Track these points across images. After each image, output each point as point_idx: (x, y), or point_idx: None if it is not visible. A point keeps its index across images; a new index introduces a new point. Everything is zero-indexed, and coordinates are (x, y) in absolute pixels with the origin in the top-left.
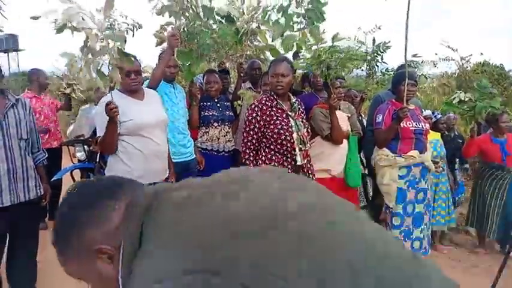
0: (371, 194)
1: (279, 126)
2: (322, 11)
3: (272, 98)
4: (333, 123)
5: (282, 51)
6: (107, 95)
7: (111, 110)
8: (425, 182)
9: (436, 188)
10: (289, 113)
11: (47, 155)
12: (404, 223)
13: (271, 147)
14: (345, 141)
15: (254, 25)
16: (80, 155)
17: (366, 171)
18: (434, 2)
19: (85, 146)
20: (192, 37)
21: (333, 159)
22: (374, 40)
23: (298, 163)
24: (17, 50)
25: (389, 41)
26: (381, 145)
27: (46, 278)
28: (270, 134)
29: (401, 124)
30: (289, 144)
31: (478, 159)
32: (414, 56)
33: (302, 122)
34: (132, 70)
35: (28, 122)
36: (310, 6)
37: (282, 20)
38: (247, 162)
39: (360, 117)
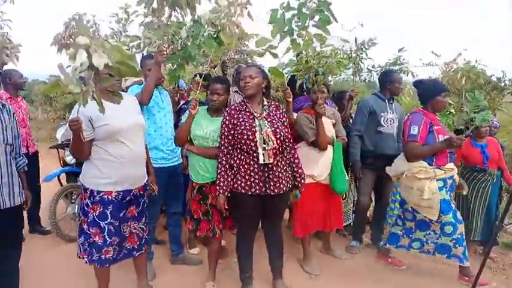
0: (355, 198)
1: (243, 127)
2: (332, 13)
3: (243, 102)
4: (319, 129)
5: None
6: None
7: (74, 126)
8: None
9: None
10: (255, 114)
11: (26, 161)
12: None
13: (241, 147)
14: (329, 147)
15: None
16: (70, 159)
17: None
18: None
19: None
20: (175, 40)
21: (318, 164)
22: (356, 39)
23: (261, 162)
24: None
25: (375, 37)
26: (413, 159)
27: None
28: (236, 135)
29: (439, 137)
30: (252, 144)
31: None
32: (400, 50)
33: (272, 122)
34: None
35: (12, 128)
36: (314, 6)
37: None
38: (219, 165)
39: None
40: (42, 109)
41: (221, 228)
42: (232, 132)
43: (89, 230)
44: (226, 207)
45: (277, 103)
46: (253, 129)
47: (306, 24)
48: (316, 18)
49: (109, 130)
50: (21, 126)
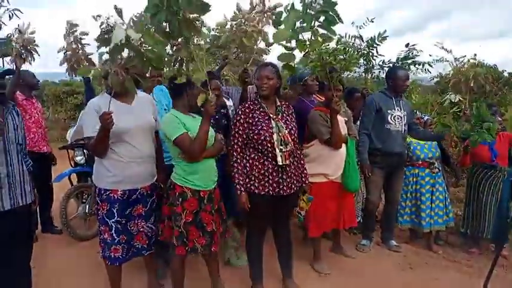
0: (364, 197)
1: (259, 127)
2: (337, 13)
3: (257, 101)
4: (334, 127)
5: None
6: (97, 96)
7: (106, 120)
8: None
9: (433, 189)
10: (271, 115)
11: (31, 162)
12: None
13: (254, 147)
14: (343, 145)
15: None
16: (80, 158)
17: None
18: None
19: (85, 150)
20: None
21: (332, 163)
22: (380, 33)
23: (279, 163)
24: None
25: (385, 30)
26: None
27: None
28: (252, 135)
29: None
30: (269, 145)
31: None
32: (408, 46)
33: (286, 123)
34: None
35: (22, 128)
36: (319, 7)
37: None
38: (235, 164)
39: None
40: (53, 109)
41: (221, 231)
42: (247, 131)
43: (100, 227)
44: (249, 205)
45: (287, 102)
46: (270, 130)
47: (312, 24)
48: (321, 19)
49: (114, 131)
50: (37, 126)
